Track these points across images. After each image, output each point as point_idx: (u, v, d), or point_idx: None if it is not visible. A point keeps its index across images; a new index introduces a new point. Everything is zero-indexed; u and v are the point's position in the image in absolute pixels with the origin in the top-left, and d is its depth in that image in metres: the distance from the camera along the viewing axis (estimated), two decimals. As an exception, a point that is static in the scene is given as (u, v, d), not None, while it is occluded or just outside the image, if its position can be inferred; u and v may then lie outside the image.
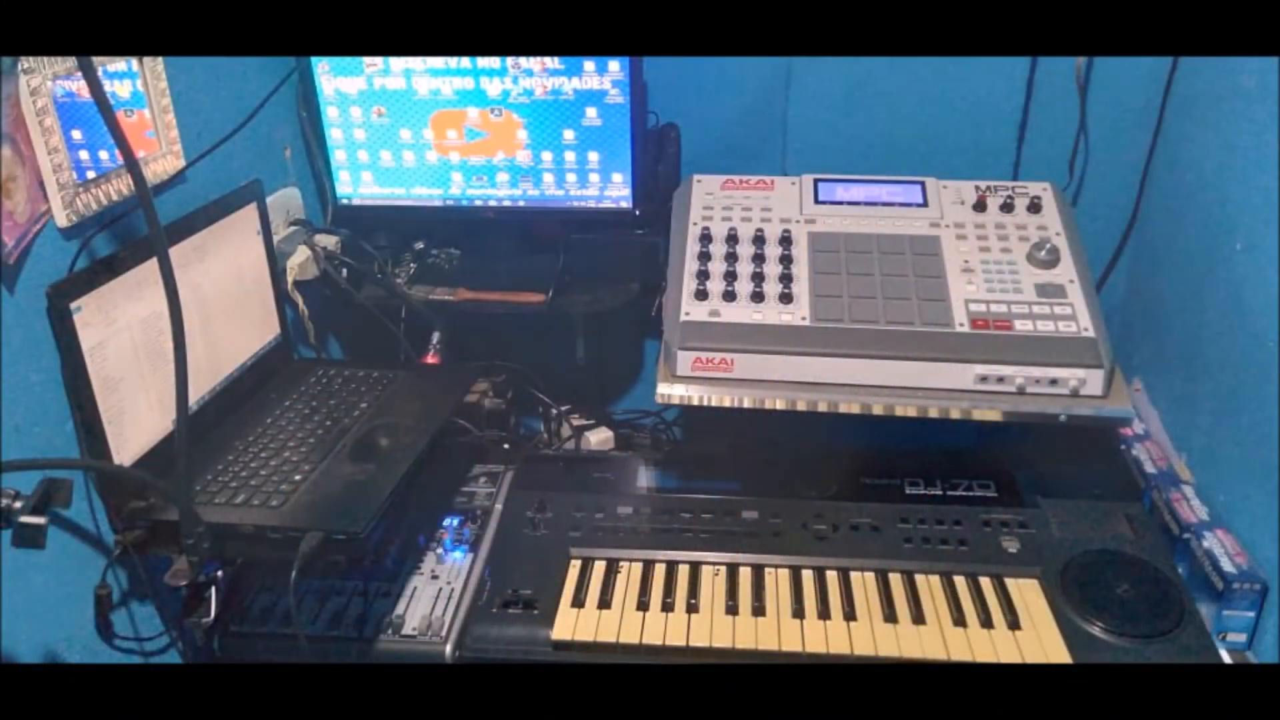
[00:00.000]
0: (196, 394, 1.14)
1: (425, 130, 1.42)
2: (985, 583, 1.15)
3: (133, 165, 0.81)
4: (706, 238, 1.32)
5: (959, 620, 1.09)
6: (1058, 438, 1.25)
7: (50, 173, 0.92)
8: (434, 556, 1.23)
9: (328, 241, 1.43)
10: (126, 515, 0.98)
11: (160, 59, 1.09)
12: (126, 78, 1.06)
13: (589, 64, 1.34)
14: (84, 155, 0.98)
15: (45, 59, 0.91)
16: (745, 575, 1.17)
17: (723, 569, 1.18)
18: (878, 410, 1.16)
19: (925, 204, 1.34)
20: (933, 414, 1.16)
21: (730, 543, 1.21)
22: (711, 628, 1.09)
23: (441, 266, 1.54)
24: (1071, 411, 1.14)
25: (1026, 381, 1.14)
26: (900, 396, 1.16)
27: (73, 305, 0.92)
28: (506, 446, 1.44)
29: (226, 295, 1.20)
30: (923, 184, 1.37)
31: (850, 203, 1.36)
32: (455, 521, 1.29)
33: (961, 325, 1.18)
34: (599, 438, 1.53)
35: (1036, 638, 1.07)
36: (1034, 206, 1.33)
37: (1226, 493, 1.19)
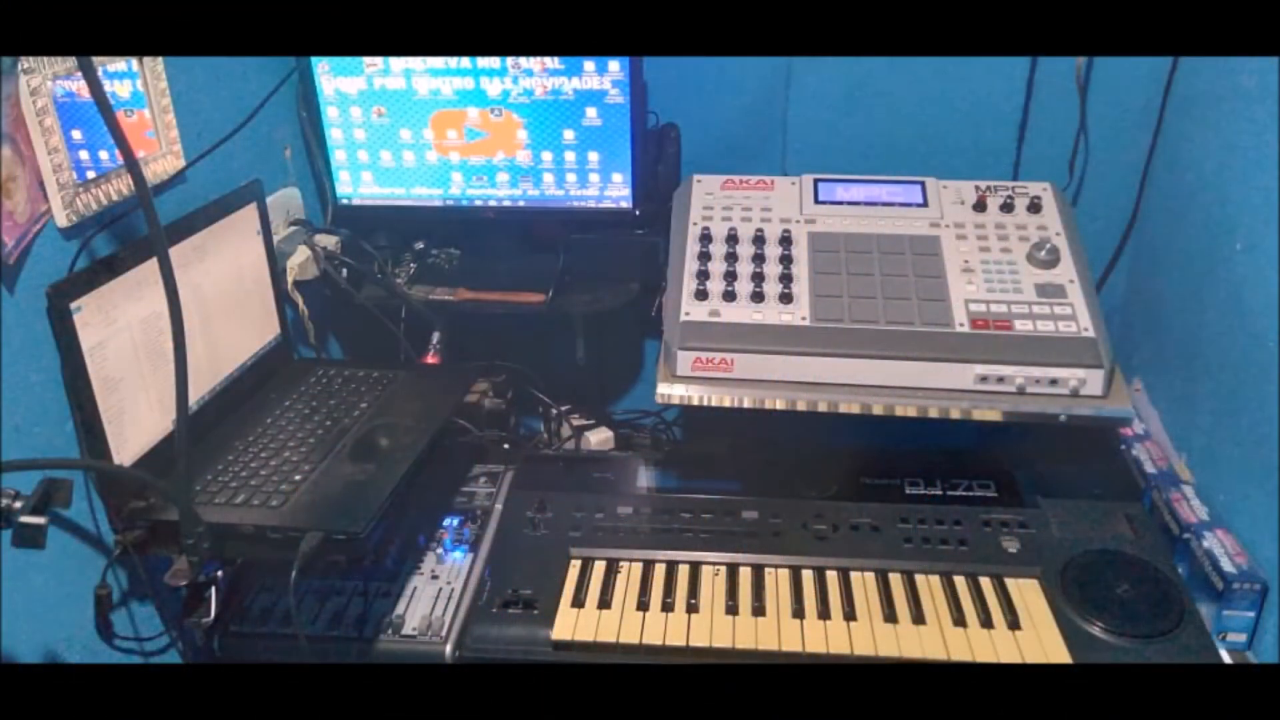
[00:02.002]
0: (196, 394, 1.14)
1: (425, 130, 1.42)
2: (985, 583, 1.15)
3: (133, 165, 0.81)
4: (706, 238, 1.32)
5: (959, 620, 1.09)
6: (1058, 438, 1.25)
7: (50, 173, 0.92)
8: (434, 556, 1.23)
9: (328, 241, 1.43)
10: (126, 515, 0.98)
11: (160, 59, 1.09)
12: (126, 78, 1.06)
13: (589, 64, 1.34)
14: (84, 155, 0.98)
15: (45, 59, 0.91)
16: (745, 575, 1.17)
17: (723, 569, 1.18)
18: (878, 410, 1.16)
19: (925, 204, 1.34)
20: (933, 414, 1.16)
21: (730, 543, 1.21)
22: (711, 628, 1.09)
23: (441, 266, 1.54)
24: (1071, 411, 1.14)
25: (1026, 381, 1.14)
26: (900, 396, 1.16)
27: (73, 305, 0.92)
28: (506, 446, 1.44)
29: (226, 295, 1.20)
30: (923, 184, 1.37)
31: (850, 203, 1.36)
32: (455, 521, 1.29)
33: (961, 325, 1.18)
34: (599, 438, 1.53)
35: (1036, 638, 1.07)
36: (1034, 206, 1.33)
37: (1226, 493, 1.19)
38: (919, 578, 1.16)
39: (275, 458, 1.10)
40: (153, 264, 0.98)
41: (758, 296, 1.23)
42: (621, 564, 1.20)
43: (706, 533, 1.23)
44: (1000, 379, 1.14)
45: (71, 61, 0.93)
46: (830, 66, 1.46)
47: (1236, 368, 1.16)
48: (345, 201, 1.49)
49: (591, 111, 1.38)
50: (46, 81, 0.92)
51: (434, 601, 1.15)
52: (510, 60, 1.35)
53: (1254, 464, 1.11)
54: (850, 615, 1.10)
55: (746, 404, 1.18)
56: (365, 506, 1.00)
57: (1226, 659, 1.08)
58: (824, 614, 1.11)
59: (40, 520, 0.78)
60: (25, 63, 0.89)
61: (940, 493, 1.29)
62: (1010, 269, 1.25)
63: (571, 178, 1.43)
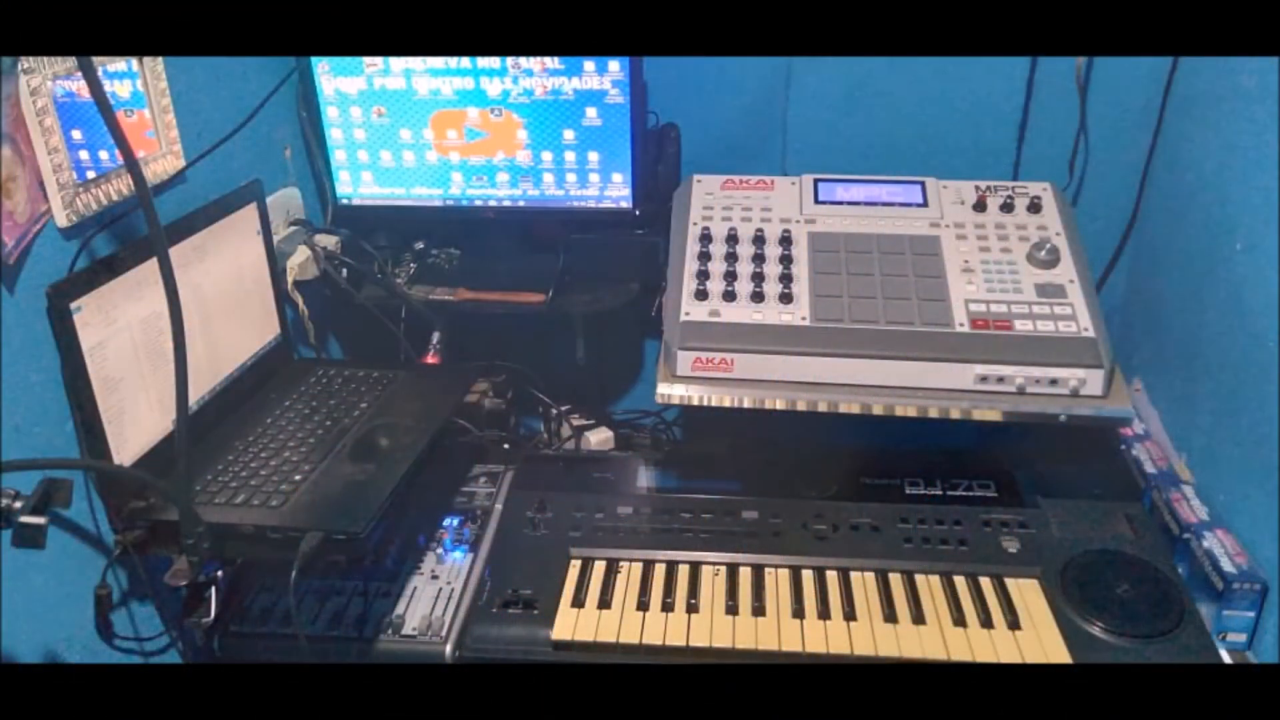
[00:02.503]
0: (196, 394, 1.14)
1: (425, 130, 1.42)
2: (985, 583, 1.15)
3: (133, 165, 0.81)
4: (706, 238, 1.32)
5: (959, 620, 1.09)
6: (1058, 438, 1.25)
7: (50, 173, 0.92)
8: (434, 556, 1.23)
9: (328, 241, 1.43)
10: (126, 515, 0.98)
11: (160, 59, 1.09)
12: (126, 78, 1.06)
13: (589, 64, 1.34)
14: (84, 155, 0.98)
15: (45, 59, 0.91)
16: (745, 575, 1.17)
17: (723, 569, 1.18)
18: (878, 410, 1.16)
19: (925, 204, 1.34)
20: (933, 414, 1.16)
21: (730, 543, 1.21)
22: (711, 628, 1.09)
23: (441, 266, 1.54)
24: (1071, 411, 1.14)
25: (1026, 381, 1.14)
26: (900, 396, 1.16)
27: (73, 305, 0.92)
28: (506, 446, 1.44)
29: (226, 295, 1.20)
30: (923, 184, 1.37)
31: (850, 203, 1.36)
32: (455, 521, 1.29)
33: (961, 325, 1.18)
34: (599, 438, 1.53)
35: (1036, 638, 1.07)
36: (1034, 206, 1.33)
37: (1226, 493, 1.19)
38: (919, 578, 1.16)
39: (275, 458, 1.10)
40: (153, 264, 0.98)
41: (758, 296, 1.23)
42: (621, 564, 1.20)
43: (706, 533, 1.23)
44: (1000, 379, 1.14)
45: (71, 61, 0.93)
46: (830, 66, 1.46)
47: (1236, 368, 1.16)
48: (345, 201, 1.49)
49: (591, 111, 1.38)
50: (46, 81, 0.92)
51: (434, 601, 1.15)
52: (510, 60, 1.35)
53: (1254, 464, 1.11)
54: (850, 615, 1.10)
55: (746, 404, 1.18)
56: (365, 506, 1.00)
57: (1226, 659, 1.08)
58: (824, 614, 1.11)
59: (40, 520, 0.78)
60: (25, 63, 0.89)
61: (940, 493, 1.29)
62: (1010, 269, 1.25)
63: (571, 178, 1.43)
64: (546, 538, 1.24)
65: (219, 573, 1.11)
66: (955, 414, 1.16)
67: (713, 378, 1.19)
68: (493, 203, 1.46)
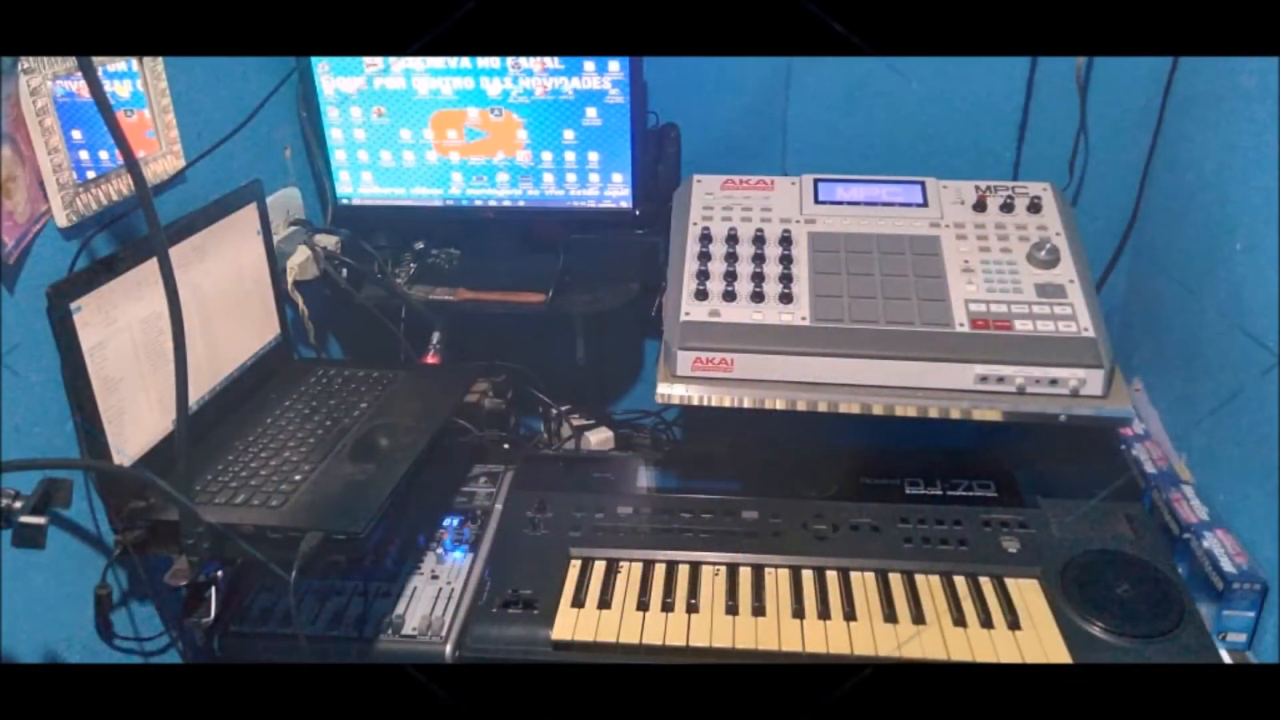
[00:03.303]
0: (196, 394, 1.14)
1: (425, 130, 1.42)
2: (985, 583, 1.15)
3: (133, 165, 0.81)
4: (706, 238, 1.32)
5: (959, 620, 1.09)
6: (1058, 438, 1.25)
7: (50, 173, 0.92)
8: (434, 556, 1.23)
9: (328, 241, 1.43)
10: (126, 515, 0.98)
11: (160, 59, 1.09)
12: (126, 78, 1.06)
13: (589, 64, 1.34)
14: (84, 155, 0.98)
15: (45, 59, 0.91)
16: (745, 575, 1.17)
17: (723, 569, 1.18)
18: (878, 410, 1.16)
19: (925, 204, 1.34)
20: (933, 414, 1.16)
21: (730, 543, 1.21)
22: (711, 628, 1.09)
23: (441, 266, 1.54)
24: (1071, 411, 1.14)
25: (1026, 381, 1.14)
26: (900, 396, 1.16)
27: (73, 305, 0.92)
28: (506, 446, 1.44)
29: (226, 295, 1.20)
30: (923, 184, 1.37)
31: (850, 203, 1.36)
32: (455, 521, 1.29)
33: (961, 325, 1.18)
34: (599, 438, 1.53)
35: (1036, 638, 1.07)
36: (1034, 206, 1.33)
37: (1226, 493, 1.19)
38: (919, 578, 1.16)
39: (275, 458, 1.10)
40: (153, 264, 0.98)
41: (758, 296, 1.23)
42: (621, 564, 1.20)
43: (706, 533, 1.23)
44: (1000, 379, 1.14)
45: (71, 61, 0.93)
46: (830, 66, 1.46)
47: (1236, 368, 1.16)
48: (345, 201, 1.49)
49: (591, 111, 1.38)
50: (46, 81, 0.92)
51: (434, 601, 1.15)
52: (510, 60, 1.35)
53: (1254, 464, 1.11)
54: (850, 615, 1.10)
55: (746, 404, 1.18)
56: (365, 506, 1.00)
57: (1226, 659, 1.08)
58: (824, 614, 1.11)
59: (40, 520, 0.78)
60: (25, 63, 0.89)
61: (940, 493, 1.29)
62: (1010, 269, 1.25)
63: (571, 178, 1.43)
64: (546, 538, 1.24)
65: (219, 573, 1.11)
66: (955, 414, 1.16)
67: (713, 378, 1.19)
68: (493, 203, 1.46)
